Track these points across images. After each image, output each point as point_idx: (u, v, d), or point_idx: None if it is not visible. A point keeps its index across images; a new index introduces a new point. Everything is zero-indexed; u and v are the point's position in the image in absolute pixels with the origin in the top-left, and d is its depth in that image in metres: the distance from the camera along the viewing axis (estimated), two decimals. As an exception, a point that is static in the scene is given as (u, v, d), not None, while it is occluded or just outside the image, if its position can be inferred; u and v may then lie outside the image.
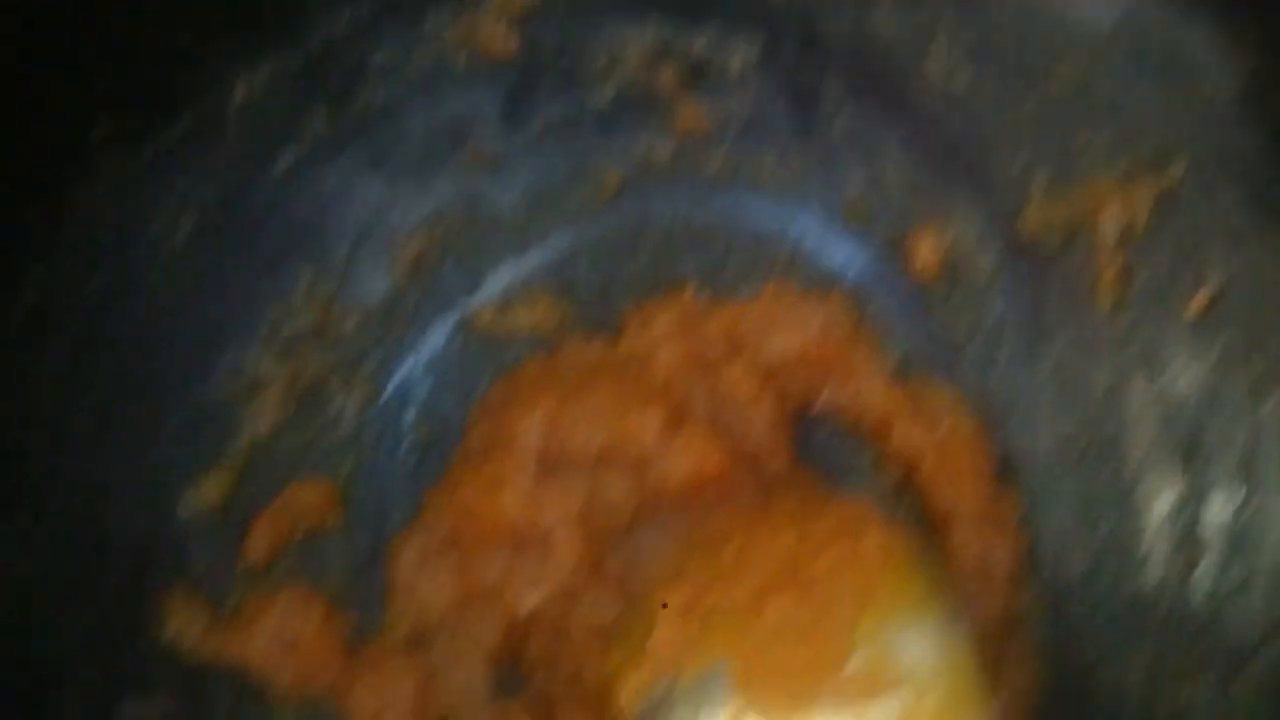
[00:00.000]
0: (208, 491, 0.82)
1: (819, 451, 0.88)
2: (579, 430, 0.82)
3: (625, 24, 0.90)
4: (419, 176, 0.91)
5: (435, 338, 0.91)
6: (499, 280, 0.93)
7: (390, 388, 0.89)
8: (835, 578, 0.71)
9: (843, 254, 0.92)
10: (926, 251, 0.89)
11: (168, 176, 0.80)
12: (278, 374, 0.86)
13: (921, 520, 0.85)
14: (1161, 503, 0.81)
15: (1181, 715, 0.75)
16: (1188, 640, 0.76)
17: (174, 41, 0.78)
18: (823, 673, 0.67)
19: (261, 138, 0.84)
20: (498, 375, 0.90)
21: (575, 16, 0.89)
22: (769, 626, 0.71)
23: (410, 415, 0.89)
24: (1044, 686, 0.80)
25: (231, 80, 0.82)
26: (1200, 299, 0.79)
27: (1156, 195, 0.81)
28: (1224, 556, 0.77)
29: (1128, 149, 0.81)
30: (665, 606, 0.74)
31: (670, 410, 0.83)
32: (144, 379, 0.80)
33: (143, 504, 0.79)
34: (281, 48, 0.83)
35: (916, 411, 0.86)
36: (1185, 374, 0.80)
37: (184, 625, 0.78)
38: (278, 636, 0.79)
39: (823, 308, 0.89)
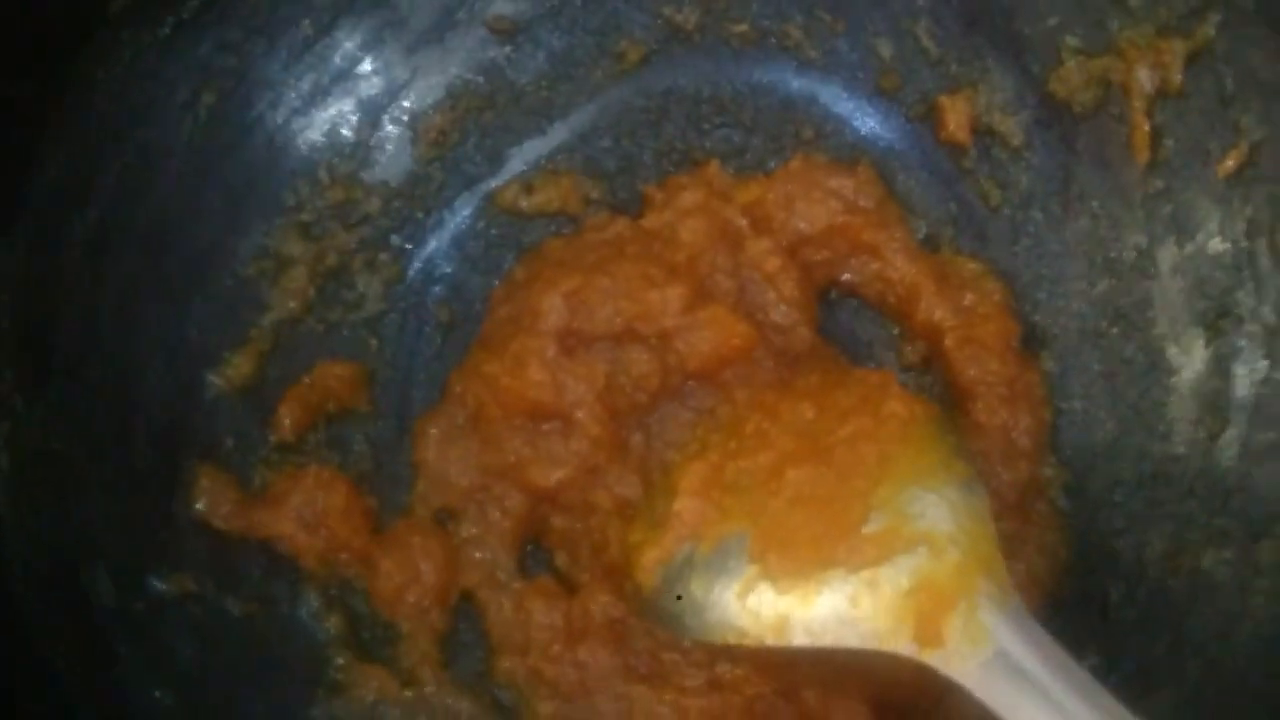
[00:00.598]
0: (236, 369, 0.83)
1: (843, 327, 0.88)
2: (602, 308, 0.82)
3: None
4: (438, 48, 0.90)
5: (459, 217, 0.91)
6: (522, 158, 0.92)
7: (414, 268, 0.89)
8: (854, 447, 0.71)
9: (872, 122, 0.91)
10: (957, 117, 0.87)
11: (187, 49, 0.80)
12: (303, 253, 0.86)
13: (946, 394, 0.84)
14: (1187, 371, 0.80)
15: (1201, 582, 0.74)
16: (1210, 509, 0.76)
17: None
18: (839, 538, 0.67)
19: (279, 7, 0.84)
20: (521, 254, 0.90)
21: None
22: (787, 496, 0.71)
23: (434, 296, 0.89)
24: (1066, 554, 0.80)
25: (248, -49, 0.81)
26: (1232, 159, 0.77)
27: (1188, 53, 0.78)
28: (1248, 425, 0.76)
29: (1159, 7, 0.79)
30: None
31: (693, 287, 0.82)
32: (170, 255, 0.81)
33: (172, 379, 0.81)
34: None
35: (943, 284, 0.85)
36: (1216, 238, 0.78)
37: (212, 500, 0.79)
38: (304, 513, 0.80)
39: (850, 180, 0.88)
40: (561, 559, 0.82)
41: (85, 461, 0.75)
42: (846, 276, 0.88)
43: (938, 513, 0.67)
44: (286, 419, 0.83)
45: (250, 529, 0.79)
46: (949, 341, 0.83)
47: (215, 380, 0.82)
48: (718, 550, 0.71)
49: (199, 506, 0.79)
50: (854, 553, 0.66)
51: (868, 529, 0.67)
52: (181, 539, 0.78)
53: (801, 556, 0.68)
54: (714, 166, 0.90)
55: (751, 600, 0.69)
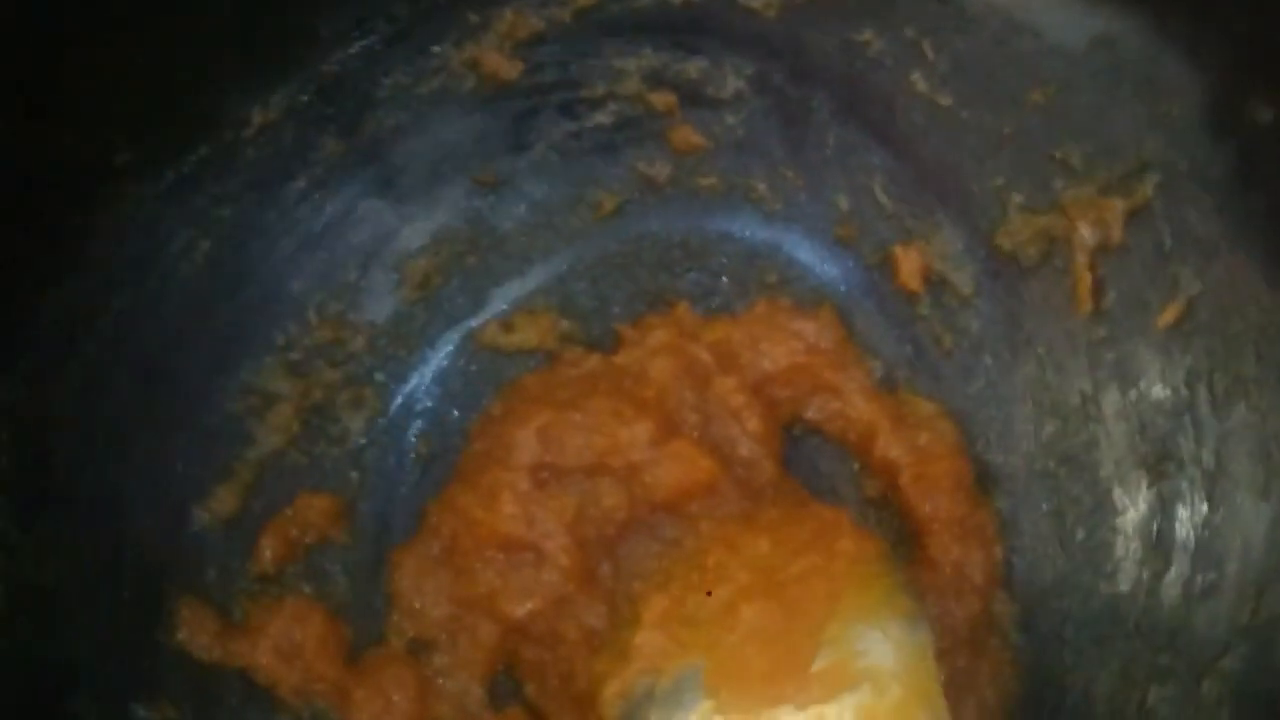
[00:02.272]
0: (220, 503, 0.86)
1: (805, 462, 0.91)
2: (573, 442, 0.85)
3: (623, 50, 0.94)
4: (426, 199, 0.95)
5: (440, 354, 0.95)
6: (502, 298, 0.96)
7: (396, 403, 0.93)
8: (805, 583, 0.74)
9: (832, 270, 0.96)
10: (910, 266, 0.92)
11: (186, 201, 0.84)
12: (289, 390, 0.90)
13: (902, 529, 0.87)
14: (1133, 512, 0.83)
15: (1150, 715, 0.76)
16: (1157, 645, 0.78)
17: (193, 74, 0.82)
18: (789, 675, 0.69)
19: (275, 163, 0.88)
20: (499, 389, 0.93)
21: (576, 43, 0.93)
22: (742, 631, 0.73)
23: (414, 430, 0.93)
24: (1017, 690, 0.82)
25: (247, 109, 0.86)
26: (1172, 311, 0.81)
27: (1129, 210, 0.83)
28: (1192, 564, 0.78)
29: (1101, 166, 0.83)
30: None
31: (661, 422, 0.86)
32: (161, 394, 0.84)
33: (159, 512, 0.84)
34: (294, 77, 0.87)
35: (898, 424, 0.89)
36: (1157, 385, 0.82)
37: (193, 630, 0.81)
38: (282, 644, 0.83)
39: (812, 323, 0.92)
40: (531, 689, 0.84)
41: (75, 593, 0.77)
42: (809, 414, 0.92)
43: (881, 650, 0.69)
44: (267, 551, 0.86)
45: (229, 659, 0.82)
46: (904, 479, 0.87)
47: (201, 513, 0.85)
48: (675, 684, 0.73)
49: (180, 637, 0.81)
50: (802, 690, 0.68)
51: (816, 666, 0.69)
52: (164, 667, 0.80)
53: (753, 692, 0.70)
54: (683, 308, 0.95)
55: (706, 734, 0.71)
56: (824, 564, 0.75)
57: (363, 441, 0.92)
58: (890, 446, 0.88)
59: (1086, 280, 0.85)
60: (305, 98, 0.88)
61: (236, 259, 0.88)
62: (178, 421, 0.85)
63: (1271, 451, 0.75)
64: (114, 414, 0.82)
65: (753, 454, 0.88)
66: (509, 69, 0.93)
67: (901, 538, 0.87)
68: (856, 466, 0.91)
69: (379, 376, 0.93)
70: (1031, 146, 0.86)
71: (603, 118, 0.96)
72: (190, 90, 0.82)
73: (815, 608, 0.72)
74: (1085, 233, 0.84)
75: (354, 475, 0.91)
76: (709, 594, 0.76)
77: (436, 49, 0.91)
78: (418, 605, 0.86)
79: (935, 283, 0.92)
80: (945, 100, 0.89)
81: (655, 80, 0.95)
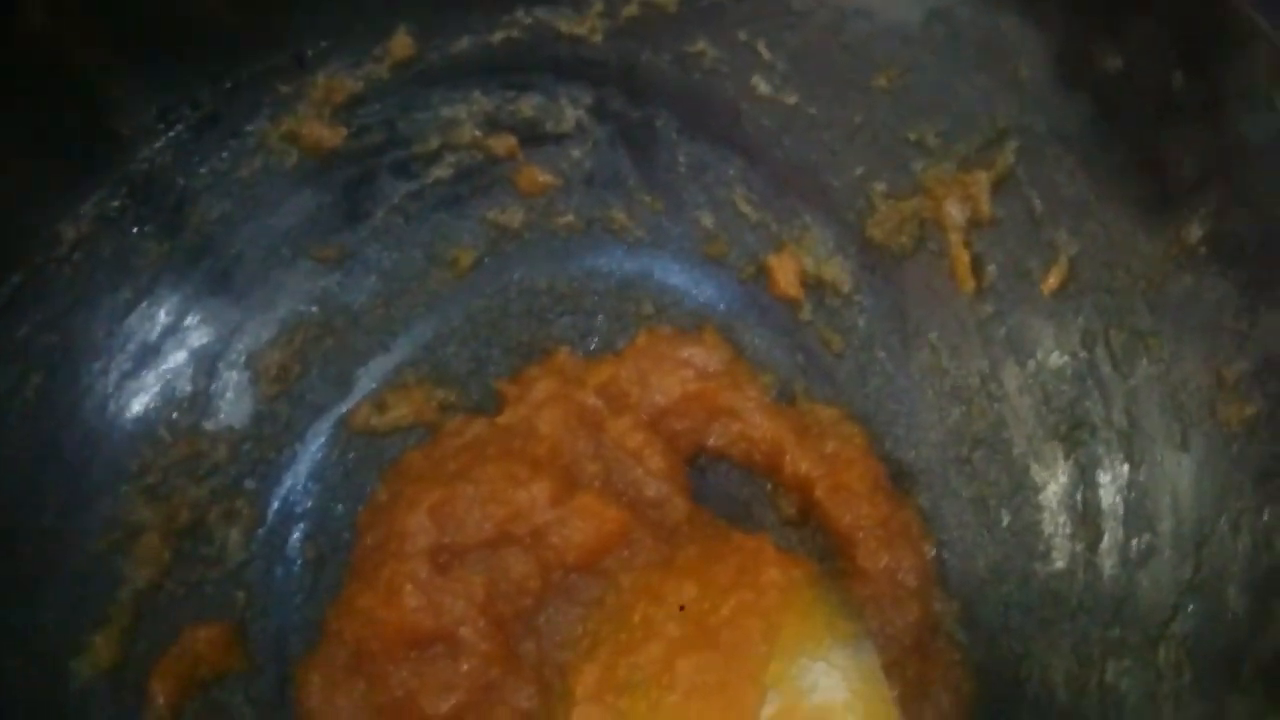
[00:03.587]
0: (99, 653, 0.79)
1: (717, 490, 0.88)
2: (470, 516, 0.80)
3: (451, 98, 0.89)
4: (267, 288, 0.89)
5: (313, 448, 0.89)
6: (369, 377, 0.91)
7: (273, 509, 0.87)
8: (739, 625, 0.70)
9: (708, 290, 0.92)
10: (785, 274, 0.90)
11: (5, 335, 0.77)
12: (153, 517, 0.83)
13: (828, 543, 0.84)
14: (1054, 486, 0.81)
15: (1110, 697, 0.74)
16: (1104, 619, 0.76)
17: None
18: (739, 727, 0.65)
19: (97, 278, 0.82)
20: (382, 473, 0.88)
21: (399, 99, 0.88)
22: (682, 687, 0.69)
23: (298, 534, 0.87)
24: (972, 689, 0.79)
25: (55, 225, 0.79)
26: (1055, 275, 0.79)
27: (994, 181, 0.81)
28: (1124, 530, 0.77)
29: (958, 140, 0.82)
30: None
31: (559, 478, 0.82)
32: (15, 543, 0.77)
33: (33, 674, 0.76)
34: (102, 182, 0.81)
35: (803, 436, 0.85)
36: (1054, 352, 0.80)
37: (93, 797, 0.74)
38: (193, 792, 0.77)
39: (698, 347, 0.89)
40: (466, 791, 0.79)
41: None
42: (711, 441, 0.88)
43: (829, 682, 0.66)
44: (159, 696, 0.79)
45: (135, 823, 0.75)
46: (819, 491, 0.84)
47: (79, 667, 0.78)
48: (622, 757, 0.69)
49: (77, 808, 0.74)
50: (756, 741, 0.65)
51: (765, 713, 0.65)
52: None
53: (705, 752, 0.66)
54: (563, 354, 0.91)
55: (664, 808, 0.66)
56: (754, 600, 0.71)
57: (243, 557, 0.85)
58: (799, 460, 0.84)
59: (964, 258, 0.83)
60: (116, 202, 0.82)
61: (71, 387, 0.81)
62: (41, 574, 0.78)
63: (1182, 401, 0.73)
64: (-35, 580, 0.74)
65: (660, 493, 0.84)
66: (331, 136, 0.88)
67: (827, 554, 0.84)
68: (769, 487, 0.87)
69: (249, 484, 0.87)
70: (885, 132, 0.84)
71: (441, 171, 0.91)
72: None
73: (754, 649, 0.68)
74: (953, 211, 0.83)
75: (239, 595, 0.84)
76: (642, 652, 0.72)
77: (250, 128, 0.86)
78: (332, 723, 0.79)
79: (813, 286, 0.90)
80: (790, 99, 0.86)
81: (490, 124, 0.91)
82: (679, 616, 0.73)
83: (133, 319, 0.84)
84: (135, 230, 0.83)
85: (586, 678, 0.74)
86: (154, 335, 0.85)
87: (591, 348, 0.92)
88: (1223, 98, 0.68)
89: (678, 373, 0.88)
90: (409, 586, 0.78)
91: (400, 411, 0.90)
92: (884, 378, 0.88)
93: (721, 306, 0.92)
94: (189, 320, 0.86)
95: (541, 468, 0.82)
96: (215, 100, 0.83)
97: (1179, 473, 0.73)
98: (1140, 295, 0.75)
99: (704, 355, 0.89)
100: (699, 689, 0.68)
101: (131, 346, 0.84)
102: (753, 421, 0.87)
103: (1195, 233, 0.72)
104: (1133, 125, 0.74)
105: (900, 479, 0.86)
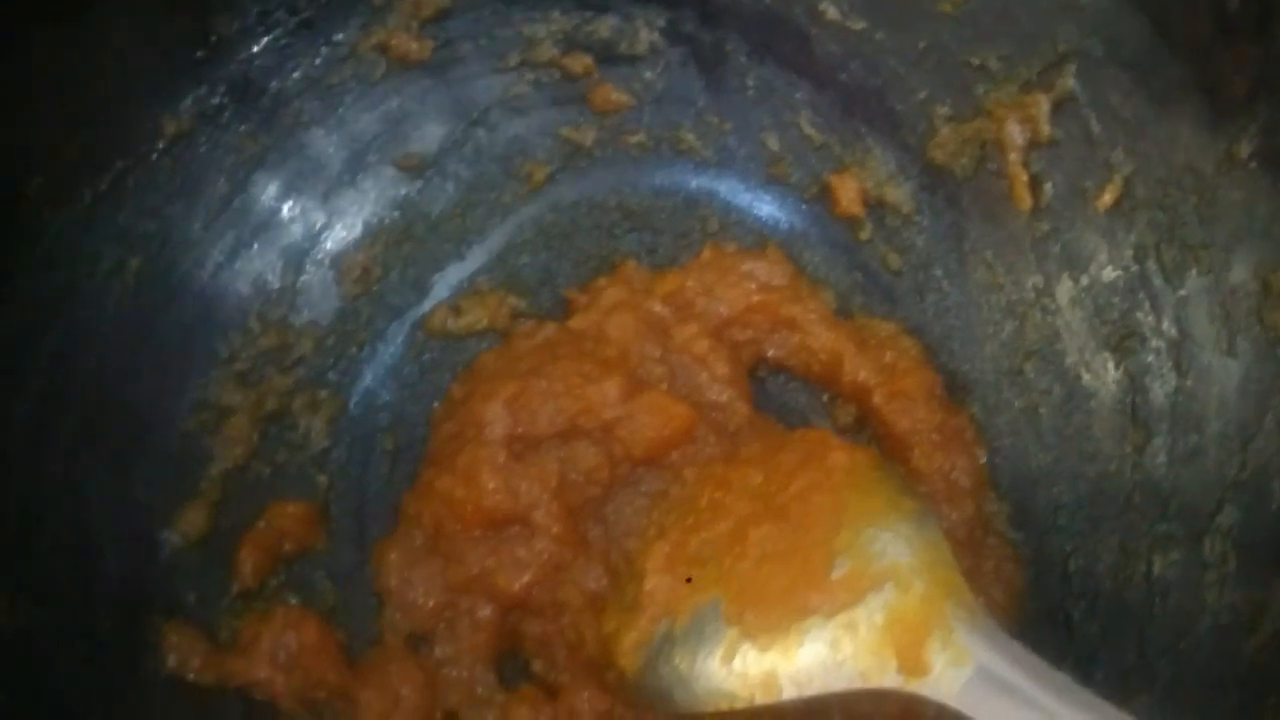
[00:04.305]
0: (189, 524, 0.83)
1: (776, 400, 0.91)
2: (543, 409, 0.84)
3: (532, 17, 0.93)
4: (353, 191, 0.93)
5: (392, 347, 0.93)
6: (445, 283, 0.95)
7: (355, 401, 0.91)
8: (807, 500, 0.74)
9: (771, 208, 0.96)
10: (848, 194, 0.93)
11: (109, 220, 0.81)
12: (242, 401, 0.87)
13: (882, 448, 0.88)
14: (1104, 393, 0.84)
15: (1156, 587, 0.78)
16: (1151, 515, 0.79)
17: (99, 89, 0.79)
18: (809, 588, 0.69)
19: (194, 170, 0.86)
20: (456, 373, 0.92)
21: (483, 14, 0.92)
22: (751, 557, 0.73)
23: (378, 424, 0.91)
24: (1022, 584, 0.83)
25: (158, 119, 0.83)
26: (1110, 193, 0.83)
27: (1053, 103, 0.84)
28: (1170, 433, 0.80)
29: (1019, 65, 0.85)
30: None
31: (628, 377, 0.85)
32: (110, 418, 0.81)
33: (126, 542, 0.80)
34: (201, 80, 0.85)
35: (862, 347, 0.89)
36: (1107, 267, 0.84)
37: (183, 656, 0.78)
38: (278, 656, 0.80)
39: (760, 262, 0.92)
40: (539, 664, 0.83)
41: (50, 634, 0.74)
42: (771, 352, 0.92)
43: (897, 548, 0.69)
44: (246, 566, 0.83)
45: (225, 679, 0.79)
46: (877, 398, 0.87)
47: (170, 537, 0.82)
48: (694, 621, 0.72)
49: (170, 664, 0.78)
50: (827, 599, 0.68)
51: (835, 574, 0.69)
52: (159, 700, 0.77)
53: (777, 611, 0.69)
54: (631, 265, 0.94)
55: (736, 662, 0.70)
56: (821, 479, 0.75)
57: (325, 444, 0.89)
58: (858, 369, 0.88)
59: (1022, 178, 0.86)
60: (216, 100, 0.86)
61: (168, 273, 0.85)
62: (131, 447, 0.82)
63: (1230, 310, 0.77)
64: (65, 446, 0.78)
65: (724, 397, 0.87)
66: (419, 49, 0.92)
67: (884, 456, 0.87)
68: (826, 397, 0.91)
69: (332, 377, 0.91)
70: (948, 57, 0.87)
71: (520, 88, 0.95)
72: (98, 106, 0.80)
73: (822, 521, 0.72)
74: (1014, 133, 0.86)
75: (322, 479, 0.89)
76: (711, 530, 0.76)
77: (341, 36, 0.90)
78: (409, 598, 0.83)
79: (875, 206, 0.93)
80: (858, 25, 0.90)
81: (568, 43, 0.94)
82: (747, 496, 0.77)
83: (228, 213, 0.88)
84: (231, 127, 0.87)
85: (657, 555, 0.78)
86: (246, 230, 0.89)
87: (658, 261, 0.95)
88: (1276, 15, 0.72)
89: (741, 285, 0.91)
90: (486, 469, 0.82)
91: (474, 316, 0.94)
92: (940, 294, 0.92)
93: (784, 225, 0.95)
94: (279, 218, 0.91)
95: (611, 367, 0.86)
96: (311, 7, 0.87)
97: (1226, 377, 0.77)
98: (1192, 210, 0.78)
99: (766, 270, 0.92)
100: (769, 556, 0.72)
101: (226, 239, 0.88)
102: (813, 332, 0.90)
103: (1246, 148, 0.75)
104: (1188, 46, 0.77)
105: (955, 390, 0.89)
